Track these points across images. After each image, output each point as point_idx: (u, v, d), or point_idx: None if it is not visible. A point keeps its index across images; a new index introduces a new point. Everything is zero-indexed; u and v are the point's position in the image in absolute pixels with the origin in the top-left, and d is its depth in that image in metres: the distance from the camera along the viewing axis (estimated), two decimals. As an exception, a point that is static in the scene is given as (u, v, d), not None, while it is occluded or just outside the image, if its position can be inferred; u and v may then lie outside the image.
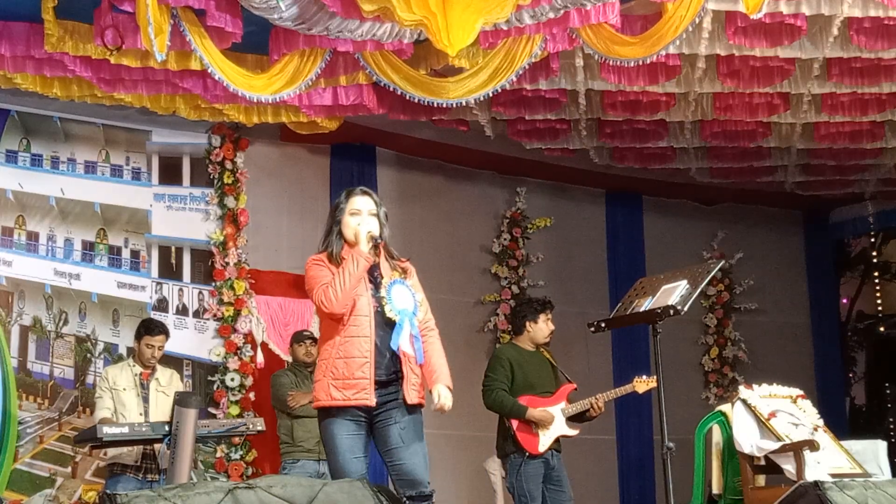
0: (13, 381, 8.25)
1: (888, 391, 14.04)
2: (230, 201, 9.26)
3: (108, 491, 4.81)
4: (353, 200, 5.22)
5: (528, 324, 7.49)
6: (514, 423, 7.20)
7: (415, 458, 5.06)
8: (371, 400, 5.03)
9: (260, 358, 9.14)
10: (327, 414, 5.07)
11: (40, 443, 8.27)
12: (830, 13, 7.18)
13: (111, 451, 7.07)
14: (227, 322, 9.08)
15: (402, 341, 5.01)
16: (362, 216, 5.17)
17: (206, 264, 9.21)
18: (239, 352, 9.05)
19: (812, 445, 6.80)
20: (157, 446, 6.89)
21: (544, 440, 7.20)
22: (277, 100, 7.52)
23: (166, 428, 6.63)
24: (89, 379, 8.53)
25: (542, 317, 7.47)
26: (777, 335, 12.06)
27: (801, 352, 12.21)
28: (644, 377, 7.43)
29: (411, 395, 5.06)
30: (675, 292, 6.02)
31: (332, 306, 5.00)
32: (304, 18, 6.52)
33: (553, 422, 7.24)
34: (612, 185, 11.34)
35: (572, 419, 7.35)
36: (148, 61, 7.14)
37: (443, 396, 5.13)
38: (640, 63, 7.44)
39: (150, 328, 7.40)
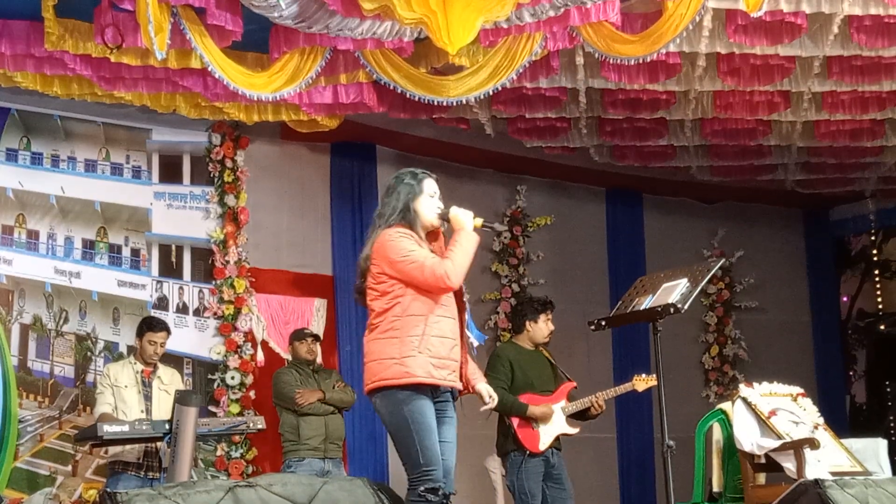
0: (13, 380, 8.26)
1: (888, 389, 14.04)
2: (230, 199, 9.26)
3: (108, 489, 4.81)
4: (428, 183, 5.12)
5: (528, 323, 7.50)
6: (515, 422, 7.21)
7: (452, 458, 4.96)
8: (458, 384, 4.98)
9: (260, 356, 9.14)
10: (416, 391, 4.82)
11: (41, 441, 8.27)
12: (831, 11, 7.19)
13: (113, 449, 7.07)
14: (228, 320, 9.09)
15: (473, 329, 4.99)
16: (437, 199, 5.12)
17: (206, 262, 9.21)
18: (239, 350, 9.06)
19: (812, 443, 6.80)
20: (158, 444, 6.90)
21: (545, 438, 7.21)
22: (278, 98, 7.53)
23: (167, 426, 6.64)
24: (90, 377, 8.53)
25: (542, 317, 7.48)
26: (777, 333, 12.06)
27: (802, 350, 12.22)
28: (643, 375, 7.44)
29: (458, 386, 5.01)
30: (675, 290, 6.02)
31: (452, 282, 4.88)
32: (304, 17, 6.52)
33: (553, 419, 7.24)
34: (613, 183, 11.34)
35: (573, 417, 7.35)
36: (148, 60, 7.14)
37: (492, 393, 5.15)
38: (641, 61, 7.44)
39: (152, 325, 7.41)
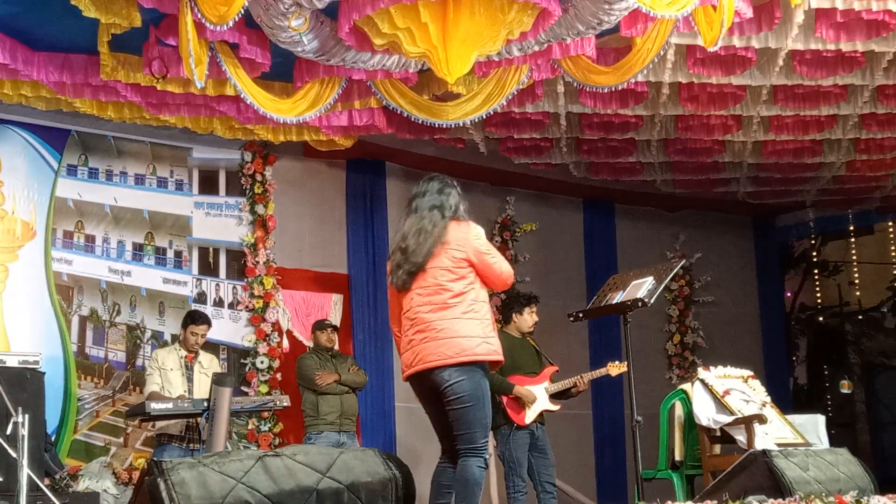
0: (73, 364, 8.25)
1: (826, 372, 14.07)
2: (260, 209, 9.25)
3: (154, 458, 4.80)
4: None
5: (514, 315, 7.51)
6: (504, 399, 7.20)
7: None
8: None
9: (285, 343, 9.13)
10: (487, 368, 4.80)
11: (97, 417, 8.26)
12: (777, 46, 7.19)
13: (160, 424, 7.07)
14: (258, 313, 9.07)
15: None
16: None
17: (239, 263, 9.19)
18: (267, 338, 9.04)
19: (761, 419, 6.79)
20: (198, 419, 6.89)
21: (530, 413, 7.20)
22: (300, 121, 7.51)
23: (205, 404, 6.64)
24: (139, 362, 8.51)
25: (526, 309, 7.49)
26: (730, 324, 12.05)
27: (751, 338, 12.21)
28: (617, 362, 7.42)
29: None
30: (642, 287, 6.02)
31: (512, 279, 4.99)
32: (323, 51, 6.51)
33: (537, 398, 7.23)
34: (589, 195, 11.33)
35: (556, 396, 7.34)
36: (189, 88, 7.14)
37: None
38: (613, 89, 7.44)
39: (195, 319, 7.40)
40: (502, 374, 7.22)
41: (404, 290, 4.82)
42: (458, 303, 4.72)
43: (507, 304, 7.84)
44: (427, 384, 4.73)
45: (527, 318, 7.46)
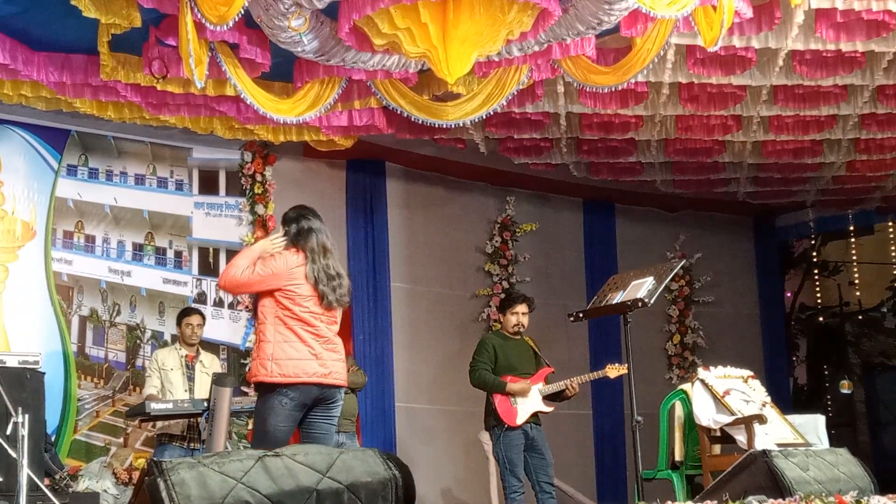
0: (73, 364, 8.25)
1: (826, 372, 14.07)
2: (260, 209, 9.25)
3: (155, 458, 4.81)
4: None
5: (501, 316, 7.56)
6: (496, 399, 7.21)
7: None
8: None
9: (285, 344, 9.10)
10: None
11: (97, 417, 8.26)
12: (777, 46, 7.19)
13: (160, 423, 7.07)
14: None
15: None
16: None
17: (239, 263, 9.17)
18: (267, 338, 9.02)
19: (761, 419, 6.79)
20: (198, 419, 6.89)
21: (521, 414, 7.19)
22: (300, 121, 7.51)
23: (205, 404, 6.64)
24: (139, 362, 8.52)
25: (509, 310, 7.49)
26: (731, 324, 12.05)
27: (752, 338, 12.21)
28: (616, 364, 7.41)
29: None
30: (642, 287, 6.02)
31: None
32: (323, 51, 6.51)
33: (530, 397, 7.23)
34: (589, 195, 11.33)
35: (551, 398, 7.33)
36: (189, 88, 7.14)
37: None
38: (613, 89, 7.44)
39: (187, 311, 7.52)
40: (496, 373, 7.24)
41: (330, 308, 5.28)
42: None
43: (500, 306, 7.87)
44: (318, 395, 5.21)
45: (509, 318, 7.47)
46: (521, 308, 7.42)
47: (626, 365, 7.19)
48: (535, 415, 7.27)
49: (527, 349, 7.47)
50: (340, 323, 9.38)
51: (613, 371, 7.36)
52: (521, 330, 7.44)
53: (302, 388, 5.06)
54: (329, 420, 5.18)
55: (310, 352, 5.08)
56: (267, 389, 5.11)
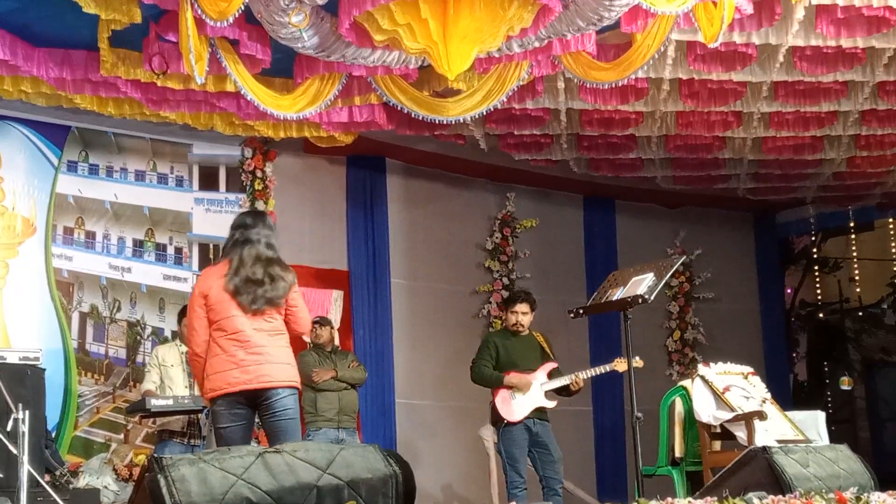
0: (74, 360, 8.25)
1: (826, 369, 14.08)
2: (260, 205, 9.24)
3: (155, 454, 4.80)
4: None
5: (503, 314, 7.58)
6: (496, 395, 7.21)
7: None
8: None
9: (285, 340, 9.10)
10: None
11: (97, 413, 8.27)
12: (777, 42, 7.18)
13: (162, 420, 7.06)
14: (258, 309, 9.05)
15: None
16: None
17: (239, 259, 9.17)
18: (268, 334, 9.02)
19: (761, 415, 6.78)
20: (198, 415, 6.89)
21: (522, 409, 7.18)
22: (301, 117, 7.52)
23: (205, 401, 6.63)
24: (139, 358, 8.52)
25: (509, 309, 7.52)
26: (731, 320, 12.05)
27: (752, 334, 12.21)
28: (623, 358, 7.38)
29: None
30: (643, 283, 6.01)
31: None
32: (324, 47, 6.51)
33: (531, 392, 7.22)
34: (589, 191, 11.33)
35: (556, 393, 7.33)
36: (189, 84, 7.13)
37: None
38: (613, 85, 7.44)
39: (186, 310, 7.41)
40: (497, 369, 7.24)
41: (257, 312, 5.17)
42: (283, 334, 5.24)
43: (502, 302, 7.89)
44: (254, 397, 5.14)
45: (509, 317, 7.50)
46: (521, 307, 7.42)
47: (636, 357, 7.18)
48: (540, 410, 7.26)
49: (533, 346, 7.45)
50: (341, 319, 9.39)
51: (621, 364, 7.33)
52: (521, 329, 7.44)
53: (227, 397, 5.11)
54: (273, 419, 5.10)
55: (230, 362, 5.09)
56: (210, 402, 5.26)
